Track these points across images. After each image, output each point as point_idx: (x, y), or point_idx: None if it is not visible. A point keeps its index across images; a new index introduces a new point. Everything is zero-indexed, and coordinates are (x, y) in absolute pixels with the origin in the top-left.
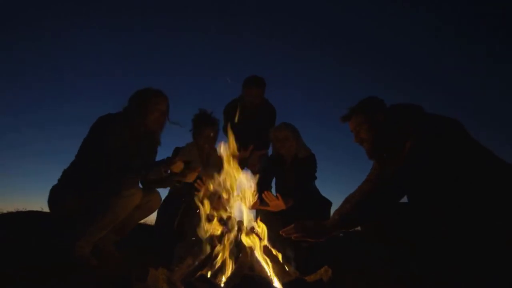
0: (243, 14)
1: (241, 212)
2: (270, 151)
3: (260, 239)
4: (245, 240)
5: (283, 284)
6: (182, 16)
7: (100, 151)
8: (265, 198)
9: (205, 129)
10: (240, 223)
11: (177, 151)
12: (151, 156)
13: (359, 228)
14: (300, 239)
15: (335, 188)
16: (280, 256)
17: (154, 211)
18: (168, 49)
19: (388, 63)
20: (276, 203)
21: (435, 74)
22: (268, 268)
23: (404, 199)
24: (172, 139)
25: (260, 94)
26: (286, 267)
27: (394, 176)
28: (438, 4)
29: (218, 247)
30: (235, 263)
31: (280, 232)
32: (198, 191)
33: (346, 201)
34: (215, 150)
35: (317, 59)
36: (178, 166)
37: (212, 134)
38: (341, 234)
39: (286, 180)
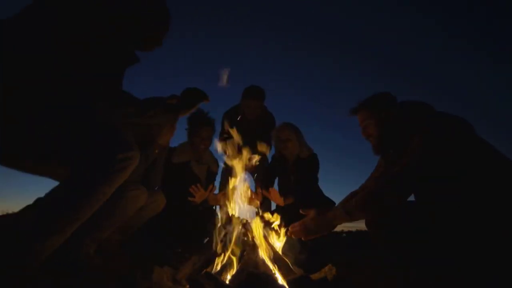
0: (244, 15)
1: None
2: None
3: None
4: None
5: (287, 281)
6: (182, 17)
7: None
8: (266, 195)
9: (202, 130)
10: (245, 221)
11: (170, 151)
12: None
13: (364, 228)
14: (307, 239)
15: (339, 189)
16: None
17: (158, 211)
18: (168, 49)
19: (389, 65)
20: (275, 199)
21: (436, 76)
22: (273, 266)
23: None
24: None
25: (259, 106)
26: (291, 265)
27: (400, 173)
28: (438, 6)
29: (223, 245)
30: (240, 261)
31: (288, 234)
32: (193, 197)
33: (351, 195)
34: (208, 150)
35: (318, 61)
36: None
37: (208, 134)
38: (344, 234)
39: (288, 180)
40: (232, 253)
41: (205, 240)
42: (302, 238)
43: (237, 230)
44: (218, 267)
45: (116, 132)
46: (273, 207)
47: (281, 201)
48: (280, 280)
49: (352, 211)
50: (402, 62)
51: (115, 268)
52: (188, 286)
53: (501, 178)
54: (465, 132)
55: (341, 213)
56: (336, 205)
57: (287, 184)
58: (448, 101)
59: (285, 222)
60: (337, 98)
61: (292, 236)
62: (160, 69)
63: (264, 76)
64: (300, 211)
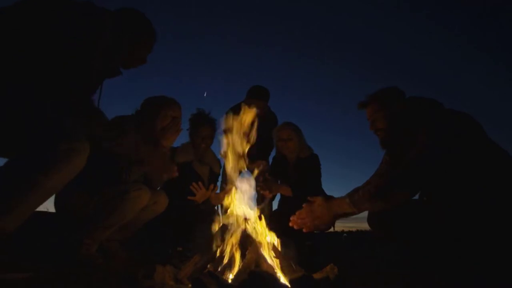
0: (244, 17)
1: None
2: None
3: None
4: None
5: (290, 280)
6: (184, 19)
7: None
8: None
9: (203, 129)
10: (246, 220)
11: (172, 151)
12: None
13: (364, 227)
14: (308, 230)
15: (340, 189)
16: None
17: (160, 212)
18: (168, 50)
19: (388, 66)
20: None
21: (435, 76)
22: (275, 265)
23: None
24: None
25: (263, 106)
26: (293, 265)
27: (406, 169)
28: (437, 7)
29: (225, 244)
30: (242, 260)
31: (290, 224)
32: (194, 196)
33: (354, 191)
34: (209, 150)
35: (318, 62)
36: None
37: (209, 133)
38: (345, 234)
39: (289, 180)
40: (234, 251)
41: (207, 239)
42: (304, 230)
43: (239, 228)
44: (220, 266)
45: (63, 123)
46: (274, 207)
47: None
48: (282, 279)
49: (358, 202)
50: (404, 63)
51: (117, 268)
52: (190, 285)
53: (506, 176)
54: (472, 130)
55: (346, 202)
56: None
57: (289, 184)
58: (449, 101)
59: (286, 221)
60: (338, 98)
61: (295, 227)
62: (161, 69)
63: (264, 76)
64: (308, 198)
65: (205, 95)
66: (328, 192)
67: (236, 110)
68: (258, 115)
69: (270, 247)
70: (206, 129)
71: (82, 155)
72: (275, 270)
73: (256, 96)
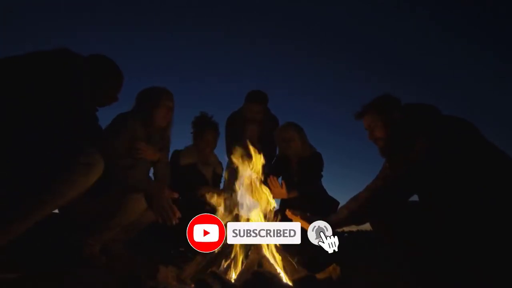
0: (246, 18)
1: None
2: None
3: None
4: None
5: (293, 281)
6: (186, 20)
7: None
8: (269, 183)
9: (207, 133)
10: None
11: (176, 154)
12: (164, 152)
13: (367, 228)
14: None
15: (341, 188)
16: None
17: None
18: (170, 52)
19: (388, 66)
20: (278, 191)
21: (435, 76)
22: (278, 265)
23: (413, 197)
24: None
25: (262, 110)
26: (295, 265)
27: (404, 174)
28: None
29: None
30: (245, 260)
31: (285, 213)
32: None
33: (354, 198)
34: (213, 152)
35: (320, 62)
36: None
37: (213, 137)
38: (345, 234)
39: (292, 180)
40: (237, 251)
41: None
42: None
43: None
44: (224, 266)
45: (79, 139)
46: (276, 207)
47: (285, 194)
48: (285, 279)
49: (355, 215)
50: (403, 63)
51: (120, 268)
52: (193, 285)
53: (506, 177)
54: (471, 135)
55: (345, 217)
56: (340, 205)
57: (291, 184)
58: (450, 101)
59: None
60: (338, 98)
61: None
62: (161, 69)
63: (264, 76)
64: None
65: None
66: (328, 192)
67: (235, 116)
68: (258, 119)
69: (273, 247)
70: (210, 133)
71: (96, 169)
72: (278, 270)
73: (255, 100)
